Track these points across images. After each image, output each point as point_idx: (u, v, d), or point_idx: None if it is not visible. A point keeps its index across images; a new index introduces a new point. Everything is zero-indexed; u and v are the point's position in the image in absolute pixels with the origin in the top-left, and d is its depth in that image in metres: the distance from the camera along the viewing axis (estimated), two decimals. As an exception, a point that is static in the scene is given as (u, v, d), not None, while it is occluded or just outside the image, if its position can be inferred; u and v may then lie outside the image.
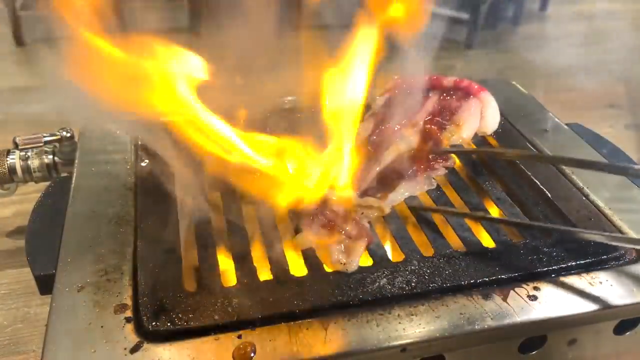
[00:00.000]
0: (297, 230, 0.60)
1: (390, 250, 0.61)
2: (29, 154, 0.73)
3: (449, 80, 0.75)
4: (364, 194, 0.62)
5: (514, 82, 0.93)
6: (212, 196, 0.66)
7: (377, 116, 0.73)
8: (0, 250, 0.81)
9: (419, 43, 0.64)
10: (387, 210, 0.60)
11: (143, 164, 0.70)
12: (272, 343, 0.47)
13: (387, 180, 0.64)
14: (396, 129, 0.70)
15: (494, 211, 0.66)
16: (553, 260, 0.56)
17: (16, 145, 0.75)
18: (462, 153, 0.73)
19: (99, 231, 0.58)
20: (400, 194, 0.63)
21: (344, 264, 0.54)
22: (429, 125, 0.71)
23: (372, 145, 0.69)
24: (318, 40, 0.66)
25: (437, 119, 0.72)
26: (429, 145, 0.69)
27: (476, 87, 0.74)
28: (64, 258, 0.54)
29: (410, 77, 0.76)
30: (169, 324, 0.48)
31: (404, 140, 0.69)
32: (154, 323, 0.48)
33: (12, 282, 0.75)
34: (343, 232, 0.56)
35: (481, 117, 0.73)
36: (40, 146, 0.74)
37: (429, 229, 0.62)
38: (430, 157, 0.67)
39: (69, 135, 0.76)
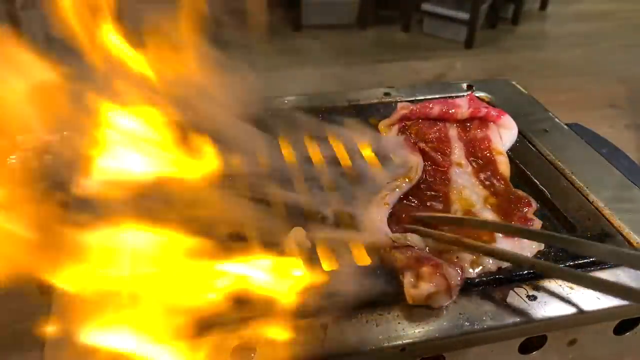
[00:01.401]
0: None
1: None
2: (29, 154, 0.73)
3: (462, 113, 0.72)
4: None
5: (514, 82, 0.93)
6: (211, 195, 0.66)
7: (414, 146, 0.70)
8: (0, 250, 0.80)
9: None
10: (493, 267, 0.55)
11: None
12: (271, 343, 0.47)
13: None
14: (454, 167, 0.68)
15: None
16: (552, 260, 0.56)
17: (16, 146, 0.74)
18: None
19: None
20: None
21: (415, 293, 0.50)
22: (485, 165, 0.68)
23: (431, 185, 0.65)
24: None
25: (475, 155, 0.69)
26: (501, 184, 0.65)
27: (494, 113, 0.73)
28: (63, 258, 0.54)
29: (421, 107, 0.73)
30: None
31: (471, 188, 0.65)
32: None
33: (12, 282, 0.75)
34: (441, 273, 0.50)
35: (500, 137, 0.73)
36: (40, 146, 0.74)
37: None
38: (511, 205, 0.62)
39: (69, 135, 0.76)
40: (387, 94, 0.87)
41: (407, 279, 0.50)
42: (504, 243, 0.57)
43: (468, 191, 0.64)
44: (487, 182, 0.66)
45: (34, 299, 0.71)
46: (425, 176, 0.66)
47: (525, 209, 0.61)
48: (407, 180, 0.63)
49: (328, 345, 0.47)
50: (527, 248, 0.57)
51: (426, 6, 2.01)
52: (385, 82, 0.90)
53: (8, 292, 0.74)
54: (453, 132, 0.72)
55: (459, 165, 0.68)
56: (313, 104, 0.84)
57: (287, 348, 0.47)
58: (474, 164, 0.69)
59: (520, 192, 0.65)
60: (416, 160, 0.66)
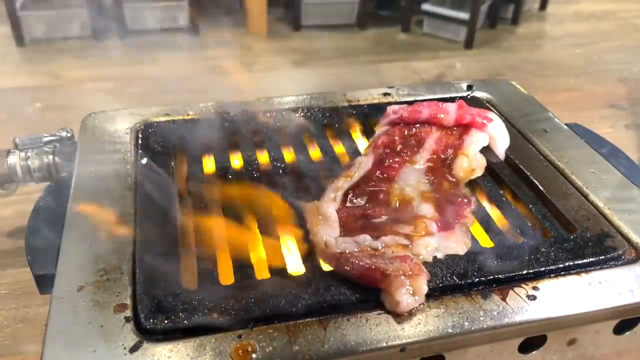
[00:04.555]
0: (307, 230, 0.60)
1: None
2: (29, 154, 0.73)
3: (449, 120, 0.73)
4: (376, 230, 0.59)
5: (514, 82, 0.93)
6: (211, 195, 0.66)
7: (377, 149, 0.71)
8: (0, 250, 0.81)
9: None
10: (428, 257, 0.56)
11: (143, 162, 0.70)
12: (271, 343, 0.47)
13: (407, 219, 0.61)
14: (407, 166, 0.69)
15: (493, 211, 0.66)
16: (552, 260, 0.56)
17: (16, 145, 0.75)
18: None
19: (99, 231, 0.58)
20: (438, 246, 0.57)
21: (416, 301, 0.51)
22: (441, 165, 0.69)
23: (377, 182, 0.67)
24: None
25: (447, 155, 0.70)
26: (449, 184, 0.67)
27: (480, 121, 0.72)
28: (64, 258, 0.55)
29: (411, 112, 0.73)
30: (168, 323, 0.48)
31: (423, 180, 0.67)
32: (153, 322, 0.48)
33: (12, 282, 0.75)
34: (400, 271, 0.51)
35: (491, 145, 0.73)
36: (40, 146, 0.74)
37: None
38: (450, 202, 0.64)
39: (69, 135, 0.76)
40: (387, 94, 0.88)
41: (401, 291, 0.50)
42: (437, 237, 0.58)
43: (410, 188, 0.66)
44: (435, 180, 0.68)
45: (35, 299, 0.72)
46: (377, 174, 0.68)
47: (463, 207, 0.63)
48: (348, 178, 0.66)
49: (327, 345, 0.47)
50: (460, 243, 0.58)
51: (426, 6, 2.01)
52: (385, 82, 0.90)
53: (8, 292, 0.74)
54: (435, 135, 0.72)
55: (413, 163, 0.69)
56: (313, 104, 0.84)
57: (287, 348, 0.47)
58: (431, 163, 0.70)
59: (464, 191, 0.66)
60: (359, 160, 0.69)
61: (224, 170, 0.70)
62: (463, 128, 0.73)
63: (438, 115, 0.73)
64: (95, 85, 1.40)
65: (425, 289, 0.51)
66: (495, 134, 0.72)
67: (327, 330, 0.48)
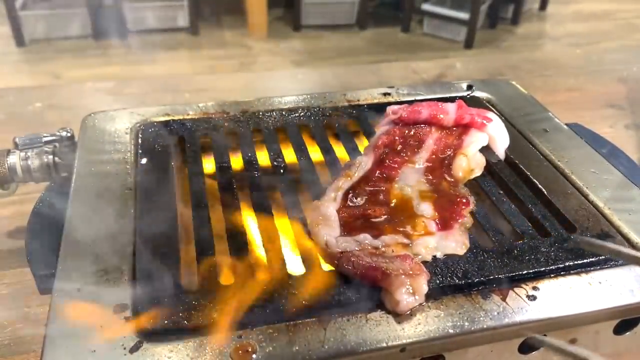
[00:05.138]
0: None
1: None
2: (29, 154, 0.73)
3: (449, 120, 0.72)
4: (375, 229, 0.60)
5: (514, 82, 0.93)
6: (211, 195, 0.66)
7: (377, 148, 0.71)
8: (0, 250, 0.81)
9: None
10: (428, 257, 0.57)
11: (143, 162, 0.70)
12: (271, 343, 0.47)
13: (406, 218, 0.62)
14: (407, 166, 0.69)
15: (492, 211, 0.66)
16: (552, 260, 0.56)
17: (16, 145, 0.74)
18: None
19: (99, 231, 0.58)
20: (437, 246, 0.58)
21: (416, 300, 0.51)
22: (440, 165, 0.69)
23: (377, 182, 0.67)
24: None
25: (447, 155, 0.70)
26: (448, 184, 0.67)
27: (479, 120, 0.72)
28: (64, 258, 0.54)
29: (410, 113, 0.73)
30: (168, 323, 0.48)
31: (422, 180, 0.67)
32: (153, 322, 0.48)
33: (12, 282, 0.75)
34: (401, 270, 0.51)
35: (490, 145, 0.72)
36: (40, 146, 0.74)
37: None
38: (449, 202, 0.64)
39: (69, 135, 0.76)
40: (387, 94, 0.88)
41: (401, 290, 0.50)
42: (436, 236, 0.59)
43: (410, 188, 0.67)
44: (435, 180, 0.68)
45: (35, 299, 0.72)
46: (377, 174, 0.68)
47: (462, 207, 0.63)
48: (348, 178, 0.66)
49: (327, 345, 0.47)
50: (460, 243, 0.58)
51: (426, 6, 2.01)
52: (385, 82, 0.90)
53: (8, 292, 0.74)
54: (434, 135, 0.72)
55: (412, 163, 0.70)
56: (313, 104, 0.84)
57: (287, 348, 0.47)
58: (431, 163, 0.70)
59: (463, 191, 0.66)
60: (359, 159, 0.69)
61: (224, 170, 0.70)
62: (462, 128, 0.73)
63: (438, 116, 0.73)
64: (95, 85, 1.40)
65: (425, 288, 0.51)
66: (494, 134, 0.72)
67: (327, 330, 0.48)
